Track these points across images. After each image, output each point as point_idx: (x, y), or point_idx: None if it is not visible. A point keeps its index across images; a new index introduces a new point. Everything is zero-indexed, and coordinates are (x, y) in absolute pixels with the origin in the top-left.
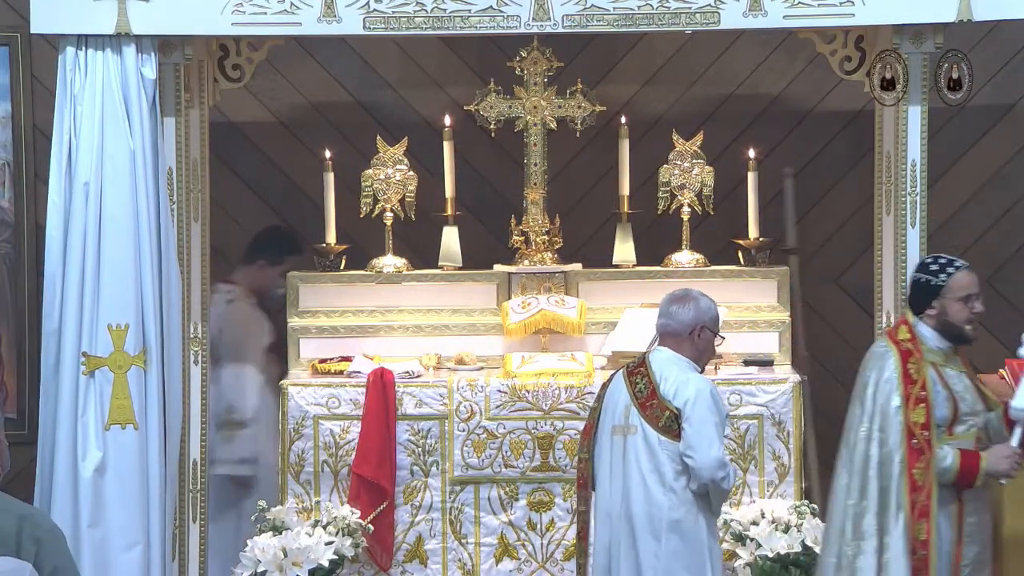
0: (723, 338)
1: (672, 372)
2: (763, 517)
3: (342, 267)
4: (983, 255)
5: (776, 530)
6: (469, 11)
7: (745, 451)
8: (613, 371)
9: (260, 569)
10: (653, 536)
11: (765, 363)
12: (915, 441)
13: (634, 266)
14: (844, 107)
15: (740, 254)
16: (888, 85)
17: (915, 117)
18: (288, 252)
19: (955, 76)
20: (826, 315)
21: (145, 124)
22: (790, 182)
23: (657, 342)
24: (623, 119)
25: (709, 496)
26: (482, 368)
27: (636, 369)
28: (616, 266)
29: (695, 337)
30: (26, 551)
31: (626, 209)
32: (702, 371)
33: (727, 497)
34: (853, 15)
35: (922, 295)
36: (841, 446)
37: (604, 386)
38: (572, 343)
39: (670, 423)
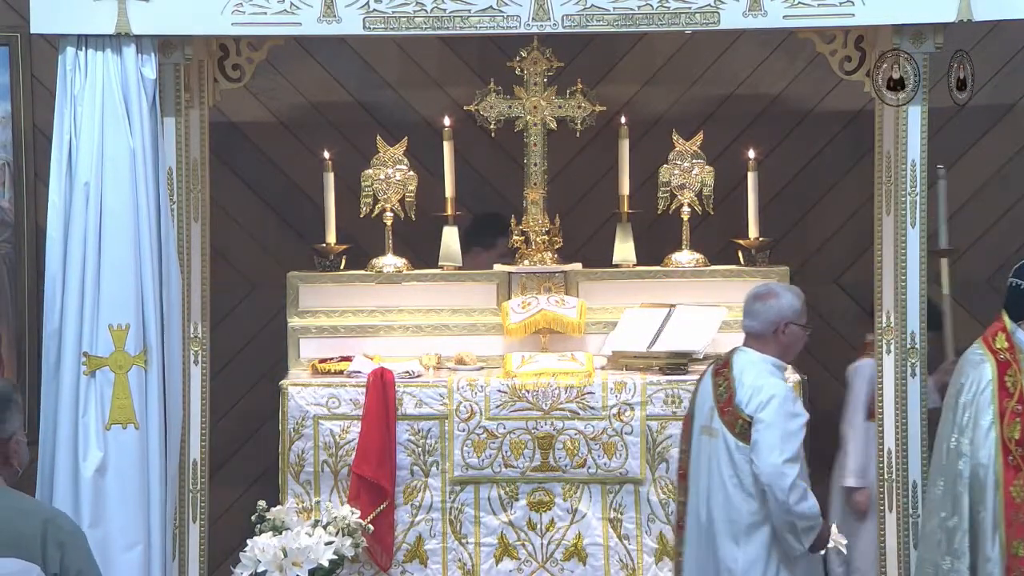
0: (811, 328)
1: (749, 377)
2: None
3: (342, 267)
4: (983, 255)
5: None
6: (469, 11)
7: None
8: (708, 365)
9: (260, 569)
10: (733, 540)
11: None
12: (1011, 458)
13: (634, 266)
14: (844, 107)
15: (740, 254)
16: (896, 85)
17: (915, 117)
18: (501, 235)
19: (961, 76)
20: (826, 315)
21: (145, 124)
22: (943, 183)
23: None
24: (623, 119)
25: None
26: (482, 368)
27: (720, 370)
28: (616, 266)
29: (780, 334)
30: (51, 555)
31: (626, 209)
32: (788, 365)
33: (797, 526)
34: (853, 15)
35: (1021, 301)
36: (934, 450)
37: (699, 380)
38: (572, 343)
39: (744, 430)
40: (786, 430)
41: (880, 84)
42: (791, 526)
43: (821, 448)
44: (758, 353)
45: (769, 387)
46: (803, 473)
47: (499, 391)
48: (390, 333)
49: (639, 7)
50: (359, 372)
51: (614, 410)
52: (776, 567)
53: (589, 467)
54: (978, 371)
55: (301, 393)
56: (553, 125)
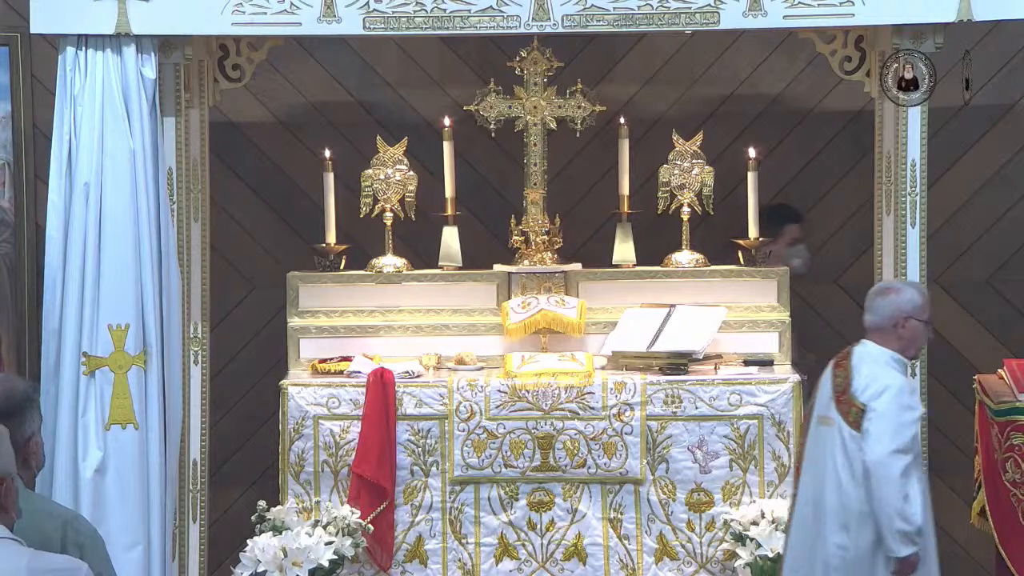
0: (930, 325)
1: (866, 368)
2: (763, 517)
3: (342, 267)
4: (983, 255)
5: (776, 530)
6: (469, 11)
7: (745, 451)
8: (832, 359)
9: (260, 569)
10: (844, 528)
11: (765, 363)
12: None
13: (634, 266)
14: (844, 107)
15: (740, 254)
16: (908, 85)
17: (915, 117)
18: (789, 221)
19: (967, 76)
20: (826, 315)
21: (145, 124)
22: None
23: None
24: (623, 119)
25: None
26: (482, 368)
27: (840, 361)
28: (616, 266)
29: (899, 328)
30: (71, 556)
31: (626, 209)
32: (912, 360)
33: (894, 526)
34: (853, 15)
35: None
36: None
37: (821, 374)
38: (572, 343)
39: (858, 418)
40: (899, 421)
41: (890, 84)
42: (890, 521)
43: None
44: (878, 346)
45: (885, 377)
46: (916, 472)
47: (499, 391)
48: (390, 333)
49: (639, 7)
50: (359, 372)
51: (614, 410)
52: (886, 558)
53: (589, 467)
54: None
55: (301, 393)
56: (553, 125)
